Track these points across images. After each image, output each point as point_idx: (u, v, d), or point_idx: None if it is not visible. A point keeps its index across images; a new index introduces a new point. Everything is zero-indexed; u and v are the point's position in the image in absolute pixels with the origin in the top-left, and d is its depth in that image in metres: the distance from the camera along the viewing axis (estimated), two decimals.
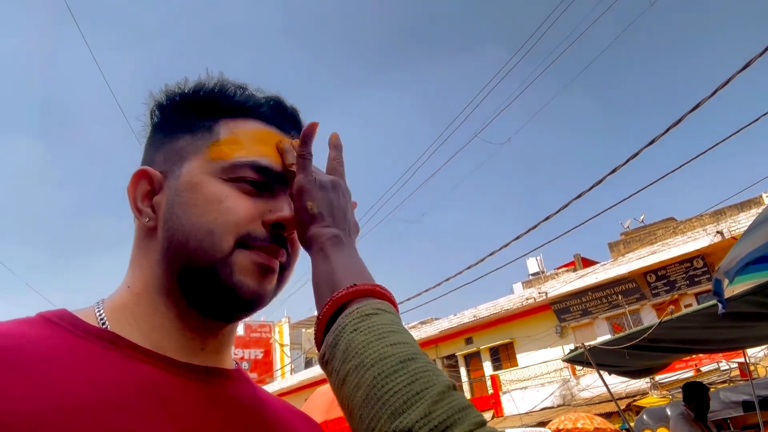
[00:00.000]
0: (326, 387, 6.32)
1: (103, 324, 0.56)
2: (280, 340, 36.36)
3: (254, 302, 0.60)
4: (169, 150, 0.64)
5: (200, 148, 0.62)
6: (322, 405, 5.81)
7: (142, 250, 0.62)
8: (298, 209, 0.61)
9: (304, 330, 39.05)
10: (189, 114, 0.64)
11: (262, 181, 0.62)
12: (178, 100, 0.65)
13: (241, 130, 0.63)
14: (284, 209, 0.62)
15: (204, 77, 0.65)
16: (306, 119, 0.70)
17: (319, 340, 0.53)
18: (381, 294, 0.54)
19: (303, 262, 0.66)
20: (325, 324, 0.53)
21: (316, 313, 0.55)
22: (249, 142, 0.62)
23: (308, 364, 33.63)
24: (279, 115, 0.67)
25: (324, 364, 0.51)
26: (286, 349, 35.69)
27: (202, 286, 0.59)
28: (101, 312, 0.58)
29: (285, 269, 0.64)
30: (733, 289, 3.54)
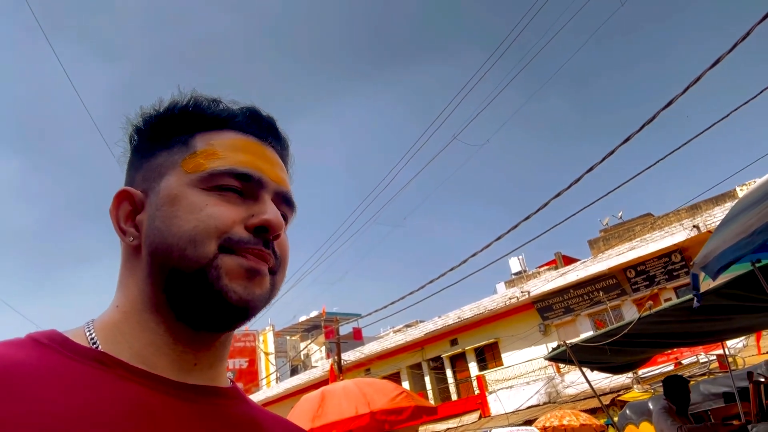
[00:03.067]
0: (313, 394, 6.29)
1: (94, 344, 0.56)
2: (264, 348, 35.99)
3: (244, 308, 0.58)
4: (148, 168, 0.64)
5: (177, 162, 0.62)
6: (308, 412, 5.80)
7: (129, 270, 0.62)
8: None
9: (288, 338, 38.65)
10: (165, 132, 0.64)
11: (243, 188, 0.61)
12: (153, 121, 0.66)
13: (218, 141, 0.63)
14: (267, 212, 0.61)
15: (177, 95, 0.66)
16: (285, 127, 0.70)
17: None
18: None
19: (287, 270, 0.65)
20: None
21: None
22: (226, 151, 0.62)
23: (294, 371, 33.37)
24: (255, 124, 0.67)
25: None
26: (271, 358, 35.37)
27: (189, 295, 0.58)
28: (91, 332, 0.58)
29: (275, 274, 0.63)
30: (708, 283, 3.61)
